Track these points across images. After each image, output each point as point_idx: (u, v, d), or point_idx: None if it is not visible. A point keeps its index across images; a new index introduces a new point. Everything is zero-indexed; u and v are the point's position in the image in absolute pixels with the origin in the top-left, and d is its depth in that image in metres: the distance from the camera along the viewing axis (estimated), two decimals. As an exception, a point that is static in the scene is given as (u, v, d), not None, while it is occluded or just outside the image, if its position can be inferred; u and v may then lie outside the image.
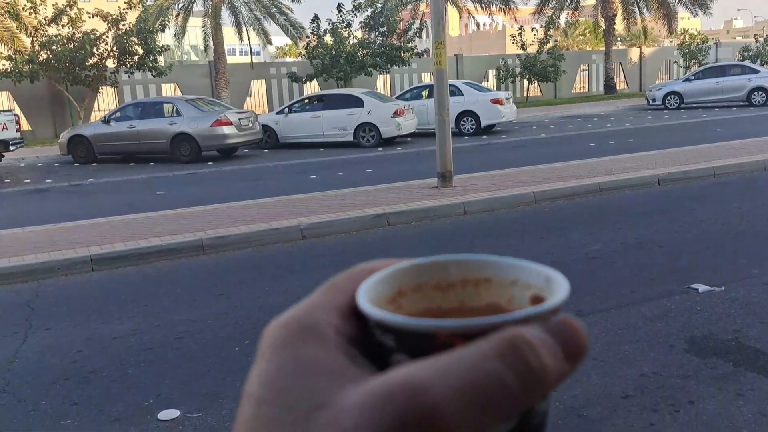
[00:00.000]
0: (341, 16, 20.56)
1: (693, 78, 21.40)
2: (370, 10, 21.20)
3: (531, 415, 0.32)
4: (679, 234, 6.04)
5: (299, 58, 25.17)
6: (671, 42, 37.63)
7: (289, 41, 33.94)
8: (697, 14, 29.60)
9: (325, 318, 0.34)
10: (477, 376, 0.28)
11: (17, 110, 18.20)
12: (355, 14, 20.89)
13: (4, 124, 13.05)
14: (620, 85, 30.11)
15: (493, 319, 0.31)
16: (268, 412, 0.30)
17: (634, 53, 31.49)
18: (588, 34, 48.57)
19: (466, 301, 0.38)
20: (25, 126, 18.92)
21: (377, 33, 21.27)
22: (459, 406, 0.28)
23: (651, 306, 4.29)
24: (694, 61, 28.41)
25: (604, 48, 29.96)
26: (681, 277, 4.81)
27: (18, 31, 19.14)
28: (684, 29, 30.29)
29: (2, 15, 19.12)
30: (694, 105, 21.05)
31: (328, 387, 0.30)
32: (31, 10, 18.05)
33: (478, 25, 35.85)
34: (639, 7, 29.87)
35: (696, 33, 30.06)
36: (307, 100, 16.18)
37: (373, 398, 0.29)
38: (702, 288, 4.54)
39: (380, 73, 22.74)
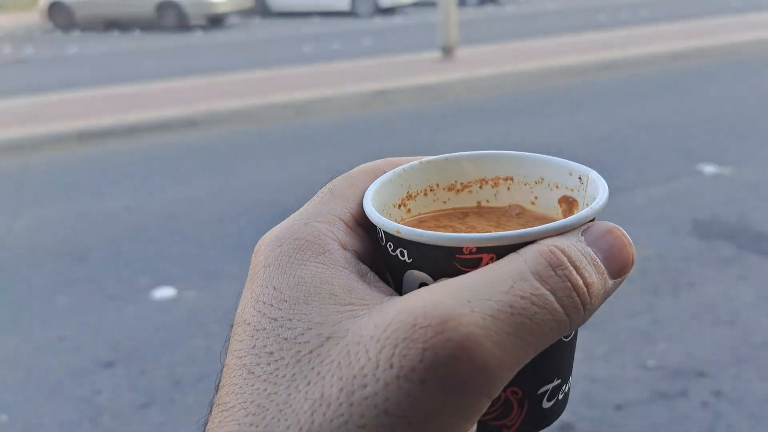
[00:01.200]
0: None
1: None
2: None
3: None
4: (691, 113, 5.83)
5: None
6: None
7: None
8: None
9: (327, 230, 0.30)
10: (514, 300, 0.24)
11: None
12: None
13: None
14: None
15: (526, 231, 0.26)
16: (268, 345, 0.26)
17: None
18: None
19: (483, 201, 0.34)
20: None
21: None
22: (496, 336, 0.24)
23: (658, 188, 4.18)
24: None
25: None
26: (689, 158, 4.67)
27: None
28: None
29: None
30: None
31: (337, 314, 0.26)
32: None
33: None
34: None
35: None
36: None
37: (395, 330, 0.24)
38: (709, 169, 4.42)
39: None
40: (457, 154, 0.35)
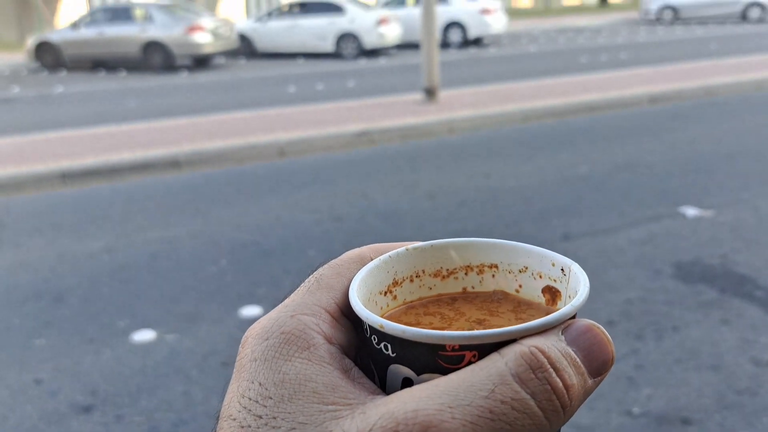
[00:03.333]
0: None
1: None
2: None
3: None
4: (670, 155, 5.92)
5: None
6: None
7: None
8: None
9: (313, 323, 0.30)
10: (495, 405, 0.24)
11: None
12: None
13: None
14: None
15: (507, 329, 0.27)
16: None
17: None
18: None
19: (469, 288, 0.34)
20: (-11, 29, 17.96)
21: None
22: None
23: (639, 230, 4.22)
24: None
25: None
26: (670, 200, 4.73)
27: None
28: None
29: None
30: (689, 19, 20.50)
31: (321, 414, 0.26)
32: None
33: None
34: None
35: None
36: (286, 7, 15.41)
37: None
38: (691, 212, 4.47)
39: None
40: (442, 241, 0.35)
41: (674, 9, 20.42)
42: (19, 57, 15.43)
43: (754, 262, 3.72)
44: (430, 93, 8.15)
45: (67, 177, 5.72)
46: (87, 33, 13.67)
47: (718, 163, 5.62)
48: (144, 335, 3.20)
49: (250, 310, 3.37)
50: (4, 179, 5.59)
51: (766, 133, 6.60)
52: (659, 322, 3.14)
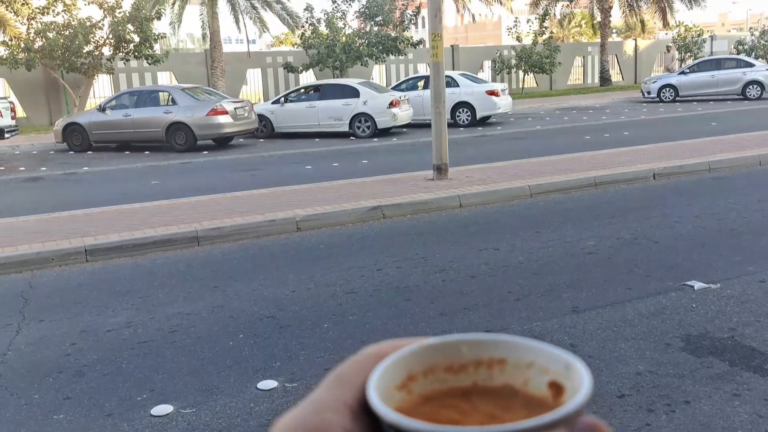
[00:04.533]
0: (336, 6, 20.44)
1: (688, 71, 21.38)
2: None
3: None
4: (675, 229, 6.04)
5: (295, 47, 25.00)
6: (666, 34, 37.58)
7: (285, 30, 33.72)
8: (692, 7, 29.53)
9: (336, 420, 0.31)
10: None
11: (12, 97, 18.04)
12: (349, 4, 20.75)
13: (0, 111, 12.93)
14: (615, 77, 30.08)
15: (517, 426, 0.29)
16: None
17: (629, 45, 31.42)
18: (584, 26, 48.42)
19: (479, 381, 0.36)
20: (21, 113, 18.76)
21: (373, 23, 21.14)
22: None
23: (647, 303, 4.29)
24: (689, 53, 28.37)
25: (599, 40, 29.88)
26: (676, 274, 4.81)
27: (12, 18, 18.93)
28: (680, 22, 30.20)
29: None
30: (690, 98, 21.04)
31: None
32: (22, 0, 17.83)
33: (473, 15, 35.69)
34: (635, -1, 29.79)
35: (691, 26, 30.00)
36: (303, 90, 16.09)
37: None
38: (698, 285, 4.54)
39: (376, 63, 22.62)
40: (453, 337, 0.37)
41: (675, 88, 21.00)
42: (48, 139, 16.07)
43: (763, 334, 3.77)
44: (440, 170, 8.41)
45: (90, 253, 5.92)
46: (113, 115, 14.28)
47: (722, 238, 5.72)
48: (162, 409, 3.26)
49: (266, 384, 3.44)
50: (29, 255, 5.80)
51: (767, 208, 6.71)
52: (670, 396, 3.17)
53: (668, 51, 26.91)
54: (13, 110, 13.52)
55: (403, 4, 26.58)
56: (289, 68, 21.43)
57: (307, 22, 20.74)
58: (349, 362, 0.35)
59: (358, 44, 20.29)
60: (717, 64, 21.17)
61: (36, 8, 18.04)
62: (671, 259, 5.21)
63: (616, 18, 32.21)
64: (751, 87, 20.20)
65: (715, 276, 4.71)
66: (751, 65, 20.62)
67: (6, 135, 13.11)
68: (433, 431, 0.29)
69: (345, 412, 0.32)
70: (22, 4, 17.91)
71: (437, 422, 0.30)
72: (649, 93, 21.38)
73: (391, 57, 22.02)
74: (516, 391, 0.35)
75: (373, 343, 0.38)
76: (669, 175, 8.48)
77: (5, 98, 14.42)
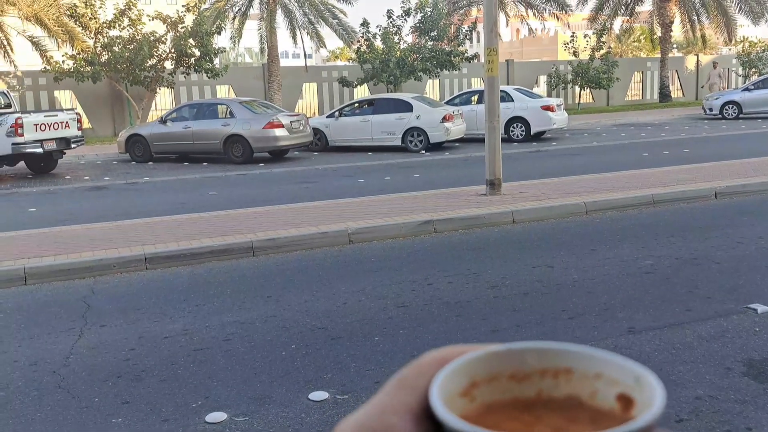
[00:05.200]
0: (391, 21, 20.65)
1: (753, 87, 20.60)
2: (420, 15, 21.18)
3: None
4: (737, 250, 5.82)
5: (350, 62, 25.36)
6: (729, 50, 36.35)
7: (340, 44, 34.26)
8: (758, 23, 28.49)
9: (398, 424, 0.31)
10: None
11: (79, 109, 18.91)
12: (405, 19, 20.92)
13: (67, 122, 13.56)
14: (676, 93, 29.24)
15: None
16: None
17: (690, 61, 30.54)
18: (643, 41, 47.35)
19: (544, 391, 0.35)
20: (86, 124, 19.61)
21: (428, 37, 21.24)
22: None
23: (707, 325, 4.14)
24: (753, 70, 27.33)
25: (659, 55, 29.15)
26: (739, 296, 4.63)
27: (80, 32, 19.88)
28: (744, 37, 29.18)
29: (64, 16, 19.90)
30: (754, 115, 20.26)
31: None
32: (90, 15, 18.70)
33: (530, 30, 35.43)
34: (697, 14, 28.96)
35: (756, 41, 28.91)
36: (357, 104, 16.29)
37: None
38: (761, 308, 4.36)
39: (430, 78, 22.70)
40: (519, 344, 0.36)
41: (738, 105, 20.26)
42: (112, 149, 16.75)
43: (831, 363, 3.59)
44: (494, 185, 8.35)
45: (150, 261, 6.13)
46: (173, 127, 14.79)
47: (790, 260, 5.48)
48: (216, 417, 3.33)
49: (317, 395, 3.48)
50: (91, 262, 6.04)
51: (842, 229, 6.38)
52: (732, 422, 3.05)
53: (714, 67, 25.65)
54: (79, 121, 14.15)
55: (459, 20, 26.65)
56: (344, 82, 21.74)
57: (362, 36, 21.02)
58: (411, 366, 0.35)
59: (412, 59, 20.42)
60: (783, 80, 20.34)
61: (103, 23, 18.90)
62: (733, 280, 5.01)
63: (677, 32, 31.36)
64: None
65: (781, 300, 4.51)
66: (820, 81, 19.73)
67: (72, 145, 13.73)
68: None
69: (407, 416, 0.32)
70: (90, 19, 18.79)
71: None
72: (711, 110, 20.70)
73: (445, 71, 22.06)
74: (582, 402, 0.34)
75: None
76: (731, 195, 8.17)
77: (72, 109, 15.12)
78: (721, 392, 3.32)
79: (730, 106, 20.34)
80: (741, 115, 20.21)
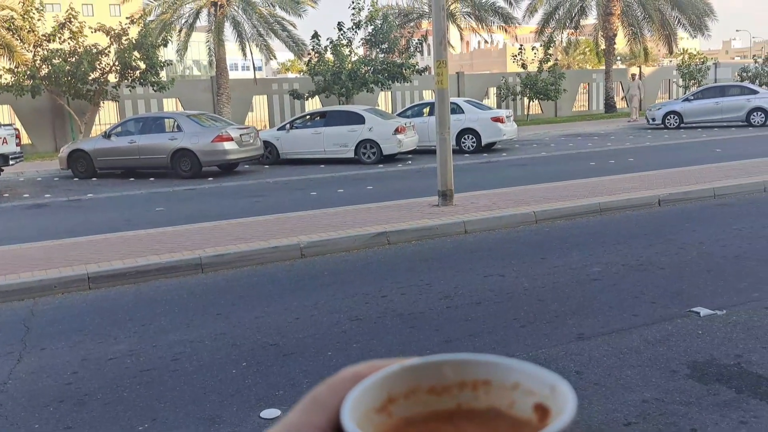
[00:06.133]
0: (342, 33, 20.71)
1: (692, 98, 21.48)
2: (370, 27, 21.32)
3: None
4: (680, 256, 6.01)
5: (301, 74, 25.28)
6: (670, 62, 37.85)
7: (290, 57, 34.15)
8: (696, 35, 29.79)
9: None
10: None
11: (18, 124, 18.24)
12: (355, 32, 21.02)
13: (4, 138, 13.05)
14: (620, 103, 30.24)
15: None
16: None
17: (633, 72, 31.66)
18: (588, 53, 48.87)
19: (463, 404, 0.35)
20: (26, 140, 18.95)
21: (378, 50, 21.38)
22: None
23: (653, 329, 4.25)
24: (693, 81, 28.53)
25: (604, 67, 30.12)
26: (682, 300, 4.77)
27: (18, 45, 19.24)
28: (684, 49, 30.44)
29: (1, 29, 19.23)
30: (694, 125, 21.10)
31: None
32: (28, 27, 18.13)
33: (479, 42, 36.10)
34: (639, 28, 30.08)
35: (695, 53, 30.20)
36: (308, 117, 16.24)
37: None
38: (704, 312, 4.50)
39: (382, 90, 22.84)
40: (436, 357, 0.35)
41: (679, 115, 21.07)
42: (53, 165, 16.19)
43: (769, 362, 3.72)
44: (446, 196, 8.42)
45: (93, 280, 5.92)
46: (118, 142, 14.40)
47: (728, 264, 5.68)
48: (163, 438, 3.23)
49: (269, 413, 3.41)
50: (31, 283, 5.80)
51: (776, 233, 6.67)
52: (677, 423, 3.12)
53: (633, 79, 26.02)
54: (17, 137, 13.64)
55: (409, 32, 26.93)
56: (295, 95, 21.65)
57: (313, 49, 21.00)
58: (324, 384, 0.34)
59: (363, 71, 20.50)
60: (721, 91, 21.26)
61: (42, 35, 18.33)
62: (677, 285, 5.17)
63: (621, 45, 32.46)
64: (755, 114, 20.25)
65: (721, 302, 4.67)
66: (755, 92, 20.70)
67: (11, 162, 13.22)
68: None
69: None
70: (29, 32, 18.20)
71: None
72: (653, 120, 21.46)
73: (397, 84, 22.23)
74: (501, 413, 0.34)
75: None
76: (674, 202, 8.46)
77: (10, 125, 14.56)
78: (666, 395, 3.40)
79: (672, 116, 21.13)
80: (682, 125, 21.02)
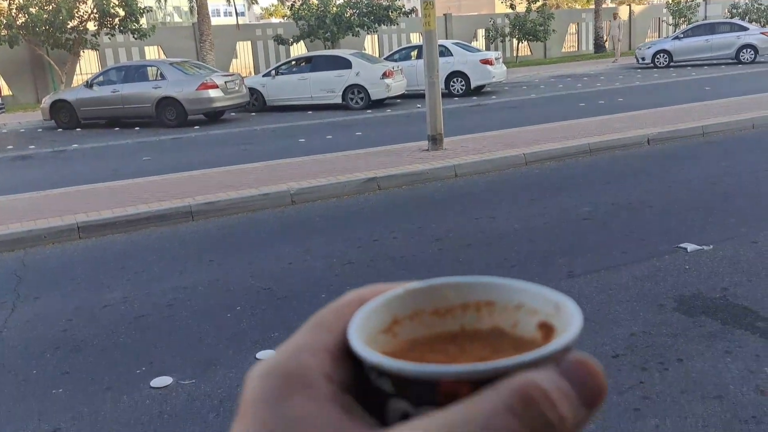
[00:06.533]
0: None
1: (682, 36, 21.21)
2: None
3: None
4: (669, 194, 6.05)
5: (285, 19, 24.65)
6: (660, 0, 37.16)
7: (274, 1, 33.22)
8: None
9: (314, 363, 0.30)
10: None
11: (-3, 75, 17.78)
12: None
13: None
14: (609, 45, 29.81)
15: (502, 363, 0.28)
16: None
17: (623, 12, 31.09)
18: (578, -8, 47.85)
19: (467, 325, 0.35)
20: (6, 91, 18.50)
21: (364, -8, 20.84)
22: None
23: (641, 266, 4.31)
24: (683, 18, 28.10)
25: (593, 6, 29.55)
26: (670, 237, 4.83)
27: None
28: (674, -14, 29.85)
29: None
30: (684, 63, 20.92)
31: None
32: None
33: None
34: (630, -36, 29.38)
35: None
36: (294, 62, 15.90)
37: None
38: (691, 247, 4.57)
39: (368, 33, 22.35)
40: (439, 280, 0.36)
41: (669, 53, 20.85)
42: (35, 116, 15.88)
43: (754, 294, 3.80)
44: (435, 140, 8.36)
45: (83, 230, 5.89)
46: (101, 91, 14.10)
47: (715, 201, 5.73)
48: (161, 381, 3.27)
49: (265, 354, 3.45)
50: (21, 233, 5.76)
51: (760, 171, 6.72)
52: (664, 355, 3.21)
53: (614, 18, 25.53)
54: (-1, 88, 13.32)
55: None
56: (279, 40, 21.16)
57: (296, -8, 20.43)
58: (329, 308, 0.34)
59: (348, 14, 20.01)
60: (711, 28, 20.99)
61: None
62: (665, 223, 5.22)
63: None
64: (744, 51, 20.07)
65: (709, 238, 4.73)
66: (744, 29, 20.47)
67: (-6, 113, 12.95)
68: (416, 370, 0.28)
69: (324, 355, 0.31)
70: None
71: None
72: (643, 59, 21.23)
73: (383, 27, 21.75)
74: (505, 333, 0.34)
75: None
76: (663, 140, 8.46)
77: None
78: (654, 328, 3.48)
79: (662, 54, 20.90)
80: (672, 64, 20.83)
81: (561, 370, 0.28)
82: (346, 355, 0.31)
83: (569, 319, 0.31)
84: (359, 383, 0.31)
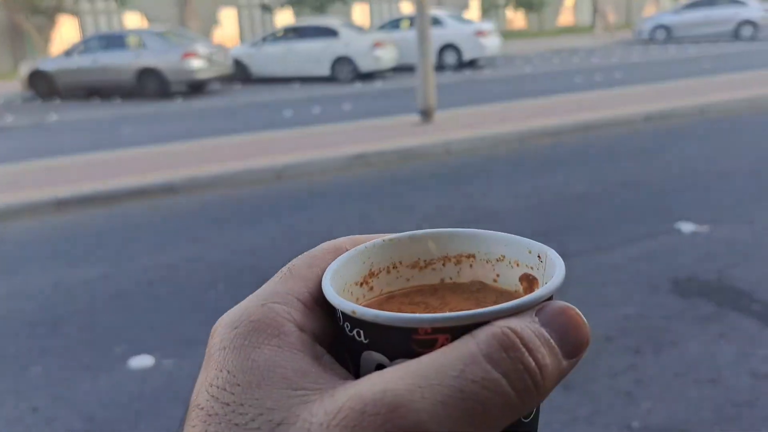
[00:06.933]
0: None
1: (681, 10, 21.00)
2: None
3: (520, 423, 0.27)
4: (665, 172, 5.96)
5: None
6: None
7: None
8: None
9: (284, 311, 0.29)
10: (465, 385, 0.24)
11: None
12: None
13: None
14: (608, 17, 29.54)
15: (480, 311, 0.27)
16: (219, 431, 0.25)
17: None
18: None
19: (446, 278, 0.34)
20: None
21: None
22: (446, 422, 0.24)
23: (636, 246, 4.22)
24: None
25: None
26: (666, 217, 4.75)
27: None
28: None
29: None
30: (682, 38, 20.74)
31: (289, 399, 0.25)
32: None
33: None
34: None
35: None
36: (281, 33, 15.57)
37: (344, 417, 0.24)
38: (687, 228, 4.48)
39: (357, 2, 21.95)
40: (420, 232, 0.35)
41: (667, 28, 20.65)
42: (13, 86, 15.51)
43: (750, 276, 3.73)
44: (427, 115, 8.20)
45: (62, 204, 5.72)
46: (81, 61, 13.75)
47: (713, 181, 5.65)
48: (141, 361, 3.17)
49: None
50: (-1, 207, 5.59)
51: (758, 150, 6.65)
52: (657, 337, 3.13)
53: None
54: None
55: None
56: (264, 7, 20.73)
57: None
58: (302, 256, 0.33)
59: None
60: (710, 3, 20.77)
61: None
62: (661, 202, 5.13)
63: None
64: (743, 27, 19.89)
65: (705, 218, 4.65)
66: (744, 4, 20.26)
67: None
68: (391, 317, 0.26)
69: (296, 305, 0.30)
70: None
71: None
72: (641, 33, 21.03)
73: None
74: (486, 285, 0.33)
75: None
76: (660, 118, 8.35)
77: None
78: (648, 309, 3.40)
79: (660, 29, 20.70)
80: (670, 39, 20.64)
81: (541, 318, 0.27)
82: (319, 305, 0.30)
83: (552, 270, 0.30)
84: (334, 335, 0.30)
